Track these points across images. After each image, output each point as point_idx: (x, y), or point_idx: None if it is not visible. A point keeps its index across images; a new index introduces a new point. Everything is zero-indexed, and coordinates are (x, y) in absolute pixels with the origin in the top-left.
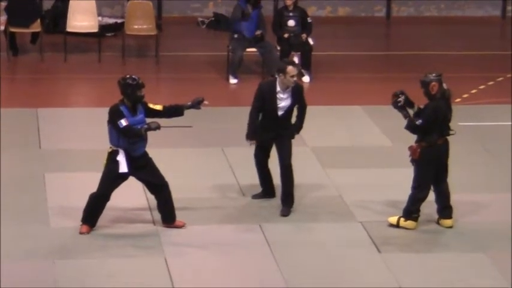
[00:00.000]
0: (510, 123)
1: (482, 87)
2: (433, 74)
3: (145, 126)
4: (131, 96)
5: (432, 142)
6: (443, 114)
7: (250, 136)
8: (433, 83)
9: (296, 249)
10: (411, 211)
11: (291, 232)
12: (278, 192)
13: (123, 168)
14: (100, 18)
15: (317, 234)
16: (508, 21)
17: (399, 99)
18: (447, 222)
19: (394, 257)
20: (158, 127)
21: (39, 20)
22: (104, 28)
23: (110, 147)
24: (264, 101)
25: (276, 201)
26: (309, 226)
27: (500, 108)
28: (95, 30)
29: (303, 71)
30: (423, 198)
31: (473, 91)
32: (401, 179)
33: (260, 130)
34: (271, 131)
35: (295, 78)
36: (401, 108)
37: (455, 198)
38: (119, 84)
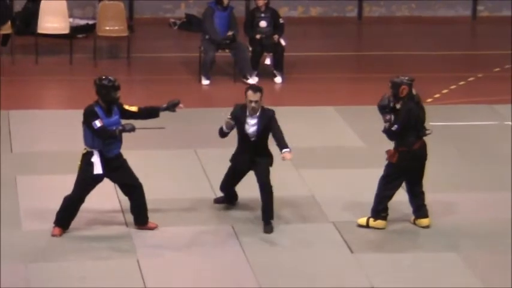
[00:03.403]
0: (482, 123)
1: (453, 87)
2: (406, 78)
3: (120, 127)
4: (106, 97)
5: (410, 145)
6: (415, 115)
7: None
8: (404, 86)
9: (268, 249)
10: (379, 210)
11: (263, 232)
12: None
13: (98, 169)
14: (71, 19)
15: (289, 234)
16: (478, 22)
17: (389, 103)
18: (424, 221)
19: (366, 257)
20: (133, 129)
21: (9, 22)
22: (75, 29)
23: (85, 149)
24: (236, 123)
25: (247, 202)
26: (281, 227)
27: (471, 108)
28: (66, 31)
29: (275, 71)
30: (390, 196)
31: (445, 91)
32: (374, 180)
33: (237, 152)
34: (246, 156)
35: (253, 105)
36: (387, 113)
37: (427, 197)
38: (94, 84)
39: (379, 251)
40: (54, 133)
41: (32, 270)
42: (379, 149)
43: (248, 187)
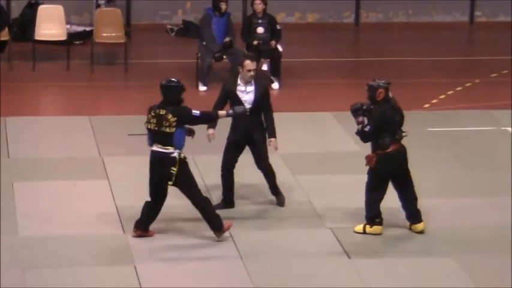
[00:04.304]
0: (479, 128)
1: (450, 92)
2: (382, 81)
3: (230, 111)
4: (176, 98)
5: (385, 147)
6: (390, 117)
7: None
8: (381, 90)
9: (266, 255)
10: (372, 217)
11: (261, 238)
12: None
13: None
14: (68, 26)
15: (287, 240)
16: (475, 27)
17: (362, 106)
18: (419, 226)
19: (363, 263)
20: (244, 112)
21: (7, 28)
22: (72, 36)
23: (180, 154)
24: (228, 97)
25: (246, 207)
26: (279, 232)
27: (468, 114)
28: (64, 38)
29: (272, 77)
30: (378, 201)
31: (442, 96)
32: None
33: (232, 127)
34: (242, 127)
35: (251, 73)
36: (359, 115)
37: (423, 203)
38: (162, 87)
39: (376, 256)
40: (52, 139)
41: (28, 276)
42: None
43: (245, 194)
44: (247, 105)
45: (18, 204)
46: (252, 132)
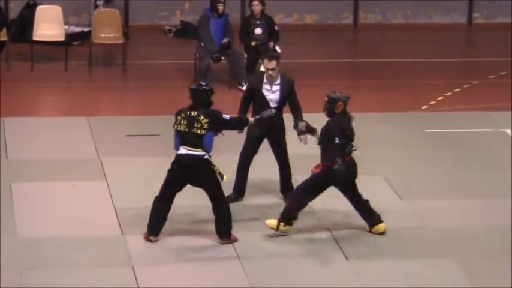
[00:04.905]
0: (477, 129)
1: (448, 94)
2: (343, 94)
3: (258, 116)
4: (206, 101)
5: (333, 160)
6: (347, 125)
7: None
8: (340, 103)
9: (264, 258)
10: (290, 217)
11: (260, 240)
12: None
13: None
14: (66, 26)
15: (285, 242)
16: (474, 29)
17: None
18: (380, 227)
19: (361, 265)
20: (271, 114)
21: (5, 29)
22: (70, 37)
23: (210, 156)
24: (253, 93)
25: (244, 210)
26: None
27: (466, 115)
28: (62, 38)
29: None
30: (305, 203)
31: (440, 98)
32: (371, 187)
33: (252, 127)
34: (264, 127)
35: (270, 72)
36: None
37: (422, 204)
38: (191, 90)
39: (375, 258)
40: (50, 140)
41: (26, 277)
42: (374, 155)
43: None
44: (273, 104)
45: (17, 205)
46: (272, 129)
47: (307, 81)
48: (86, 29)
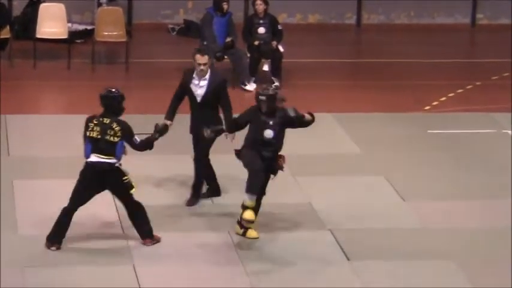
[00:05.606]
0: (479, 131)
1: (451, 95)
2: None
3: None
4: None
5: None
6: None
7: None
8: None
9: (265, 256)
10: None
11: (260, 239)
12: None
13: None
14: (70, 24)
15: (286, 241)
16: (477, 29)
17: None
18: (252, 233)
19: (363, 265)
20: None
21: (8, 26)
22: (73, 34)
23: (120, 164)
24: (184, 88)
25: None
26: (278, 233)
27: (469, 116)
28: (65, 36)
29: (273, 78)
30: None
31: (443, 99)
32: (371, 186)
33: (190, 122)
34: (195, 122)
35: (202, 67)
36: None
37: (424, 204)
38: None
39: (376, 258)
40: (52, 138)
41: (28, 275)
42: (377, 156)
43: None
44: (199, 99)
45: (18, 203)
46: (201, 126)
47: (310, 81)
48: (89, 27)
